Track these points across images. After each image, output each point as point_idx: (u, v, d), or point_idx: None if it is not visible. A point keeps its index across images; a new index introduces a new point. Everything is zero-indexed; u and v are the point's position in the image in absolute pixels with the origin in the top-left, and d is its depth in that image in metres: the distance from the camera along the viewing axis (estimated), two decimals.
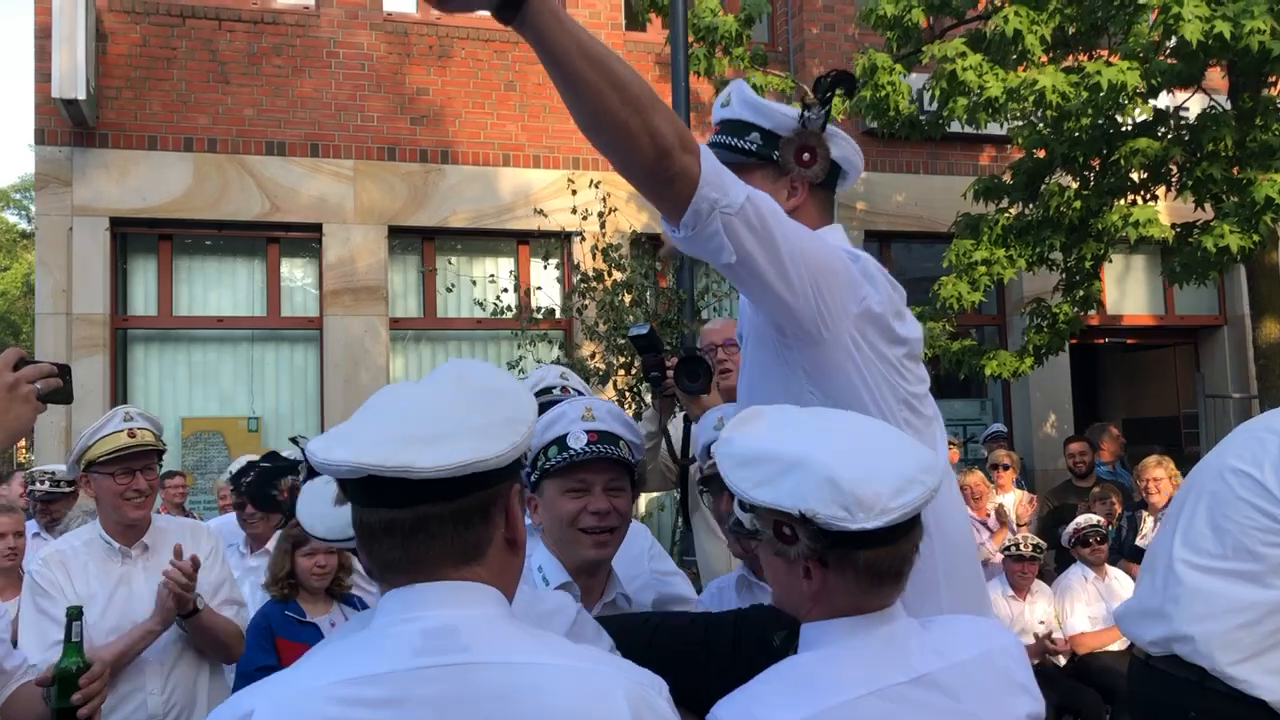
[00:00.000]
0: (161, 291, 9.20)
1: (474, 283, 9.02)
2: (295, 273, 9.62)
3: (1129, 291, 11.23)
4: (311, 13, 9.49)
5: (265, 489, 2.91)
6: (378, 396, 1.41)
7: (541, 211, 8.40)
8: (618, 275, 6.09)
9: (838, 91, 2.09)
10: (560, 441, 2.22)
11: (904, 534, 1.57)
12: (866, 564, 1.55)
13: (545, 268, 7.13)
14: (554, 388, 3.04)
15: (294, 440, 5.79)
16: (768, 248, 1.79)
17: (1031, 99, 5.90)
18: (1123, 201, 6.67)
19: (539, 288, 8.63)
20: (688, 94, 5.58)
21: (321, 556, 4.12)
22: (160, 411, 9.02)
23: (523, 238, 9.96)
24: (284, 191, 9.20)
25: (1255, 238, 5.86)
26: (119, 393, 8.99)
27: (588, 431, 2.21)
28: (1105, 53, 6.86)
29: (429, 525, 1.30)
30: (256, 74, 9.24)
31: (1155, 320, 11.31)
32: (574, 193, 6.94)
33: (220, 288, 9.46)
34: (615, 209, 6.72)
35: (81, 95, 8.14)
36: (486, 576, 1.35)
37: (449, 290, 9.33)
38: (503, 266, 10.07)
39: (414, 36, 9.66)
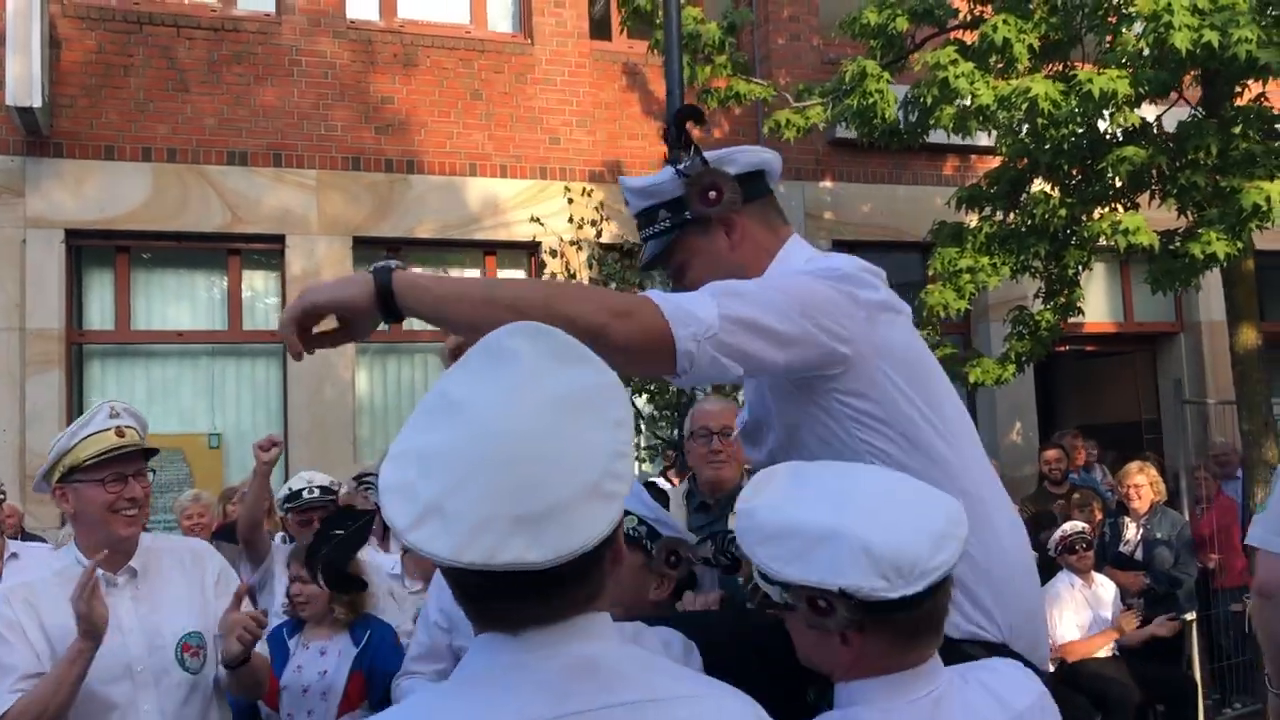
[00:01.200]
0: (119, 305, 8.93)
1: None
2: (257, 285, 9.39)
3: (1089, 299, 11.36)
4: (273, 20, 9.29)
5: (344, 568, 2.43)
6: (451, 428, 1.15)
7: (538, 220, 8.28)
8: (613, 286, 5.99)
9: (690, 124, 2.06)
10: None
11: (940, 589, 1.53)
12: (905, 624, 1.51)
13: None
14: None
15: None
16: (763, 336, 1.71)
17: (1025, 107, 5.93)
18: (1109, 209, 6.74)
19: None
20: (682, 102, 5.50)
21: (299, 585, 3.90)
22: None
23: (490, 248, 9.84)
24: (246, 202, 8.98)
25: (1239, 244, 5.95)
26: (75, 410, 8.68)
27: None
28: (1081, 63, 6.92)
29: (544, 590, 1.15)
30: (217, 82, 9.01)
31: (1115, 327, 11.47)
32: (570, 201, 6.83)
33: (180, 301, 9.20)
34: (608, 217, 6.61)
35: (36, 103, 7.87)
36: (603, 604, 1.23)
37: None
38: (469, 276, 9.92)
39: (378, 44, 9.50)
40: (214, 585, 2.96)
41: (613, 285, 6.15)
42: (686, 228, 2.01)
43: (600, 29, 10.41)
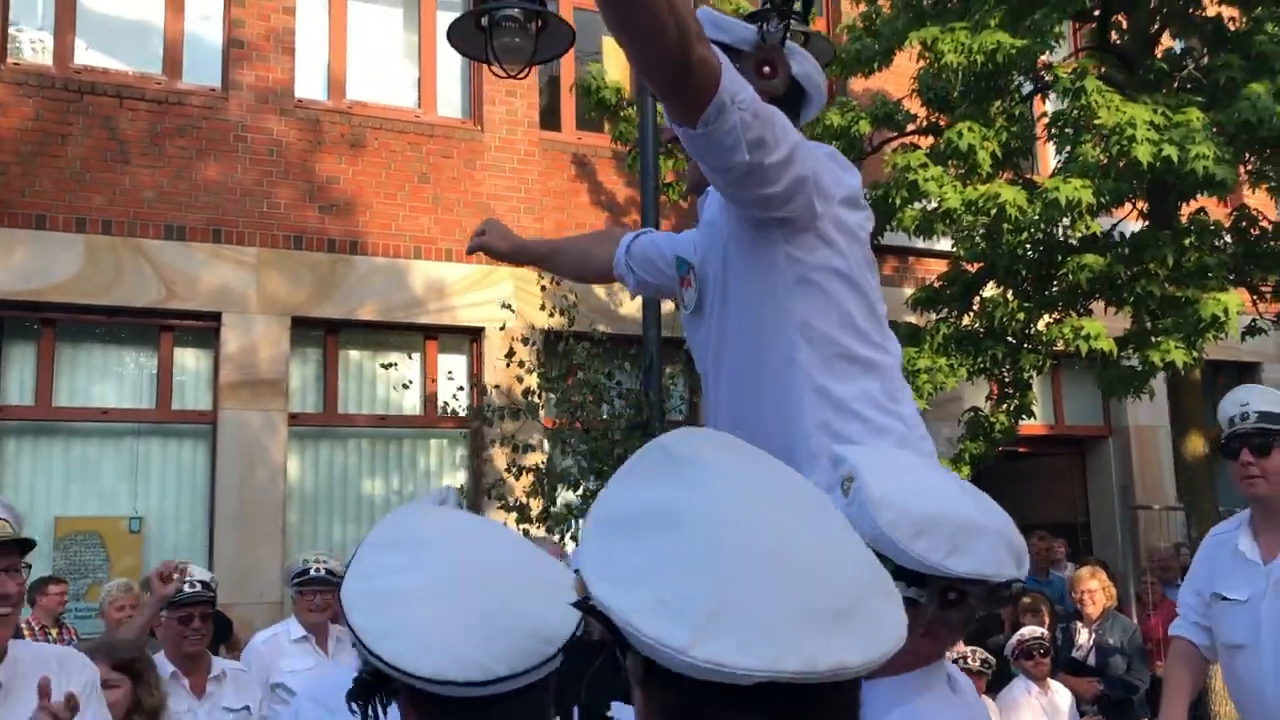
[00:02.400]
0: (41, 380, 8.53)
1: (388, 367, 8.60)
2: (188, 364, 9.06)
3: None
4: (219, 95, 9.12)
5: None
6: (679, 534, 0.96)
7: (509, 306, 8.13)
8: (579, 373, 5.87)
9: (795, 6, 2.15)
10: None
11: None
12: (970, 613, 1.54)
13: (508, 364, 6.81)
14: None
15: (303, 583, 5.23)
16: (772, 140, 1.79)
17: (994, 212, 6.03)
18: (1067, 315, 6.85)
19: (465, 386, 8.34)
20: (657, 192, 5.48)
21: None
22: (32, 510, 8.29)
23: (432, 333, 9.66)
24: (182, 278, 8.70)
25: (1196, 354, 6.07)
26: None
27: None
28: (1029, 172, 7.09)
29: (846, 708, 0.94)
30: (159, 155, 8.79)
31: (1046, 430, 11.64)
32: (542, 288, 6.72)
33: (106, 378, 8.83)
34: (576, 307, 6.51)
35: None
36: None
37: (405, 387, 8.93)
38: (409, 361, 9.71)
39: (326, 124, 9.38)
40: (84, 696, 2.59)
41: (580, 374, 6.04)
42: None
43: (550, 119, 10.43)
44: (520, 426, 7.00)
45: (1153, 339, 6.25)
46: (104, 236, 8.51)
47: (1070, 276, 6.43)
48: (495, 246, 2.81)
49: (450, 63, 10.24)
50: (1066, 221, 6.21)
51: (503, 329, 7.17)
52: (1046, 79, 6.89)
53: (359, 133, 9.48)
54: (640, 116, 5.39)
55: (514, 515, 5.43)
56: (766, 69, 2.05)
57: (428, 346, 9.71)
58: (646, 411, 5.12)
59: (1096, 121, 5.81)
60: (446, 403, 8.27)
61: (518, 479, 5.91)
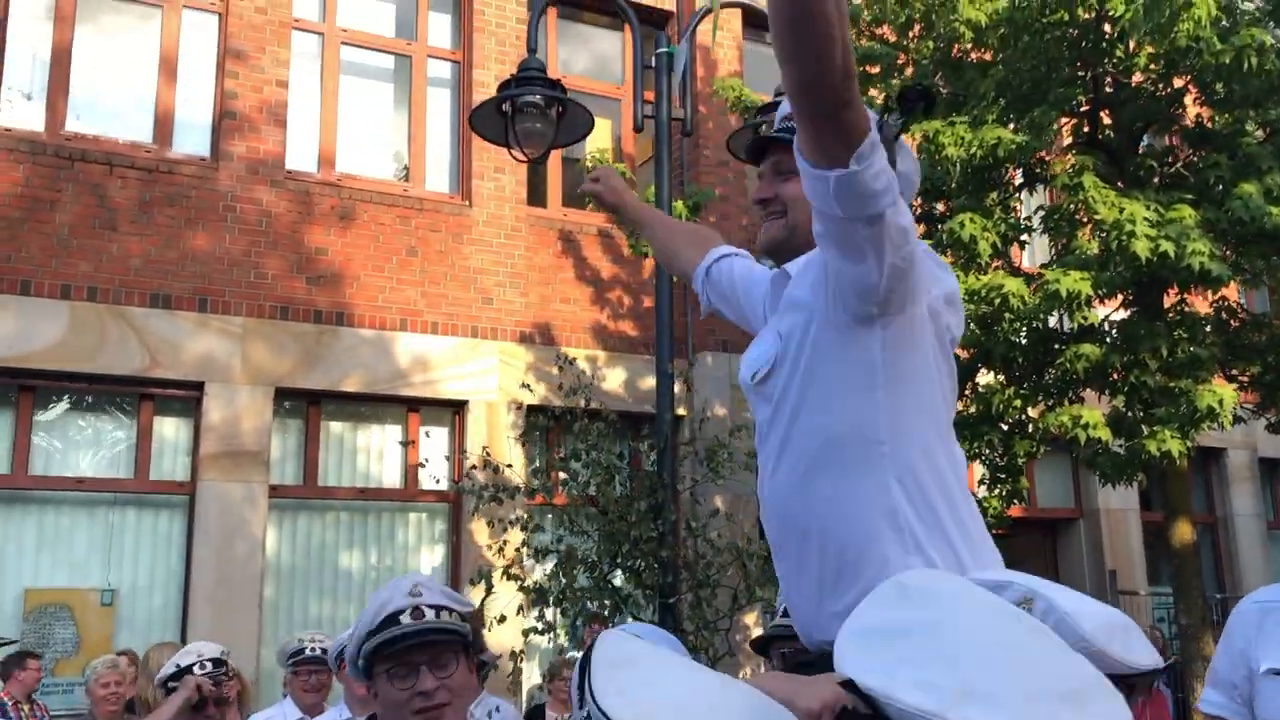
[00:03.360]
0: (17, 448, 8.35)
1: (406, 445, 8.50)
2: (169, 434, 8.92)
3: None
4: (209, 165, 9.11)
5: None
6: (939, 626, 1.19)
7: (528, 386, 8.08)
8: (585, 451, 5.85)
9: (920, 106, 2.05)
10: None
11: None
12: None
13: (512, 440, 6.77)
14: (402, 610, 2.33)
15: (298, 662, 5.11)
16: (896, 204, 1.75)
17: (996, 301, 6.17)
18: (1064, 403, 6.99)
19: (430, 460, 8.28)
20: (671, 288, 5.54)
21: None
22: (2, 582, 8.09)
23: (415, 405, 9.61)
24: (166, 346, 8.61)
25: (1190, 443, 6.21)
26: None
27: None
28: (1020, 262, 7.26)
29: None
30: (147, 223, 8.74)
31: (1021, 511, 11.76)
32: (572, 362, 6.72)
33: (83, 447, 8.66)
34: (591, 382, 6.52)
35: None
36: None
37: (423, 465, 8.82)
38: (390, 434, 9.64)
39: (316, 196, 9.39)
40: None
41: (582, 447, 6.02)
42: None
43: (537, 195, 10.53)
44: (513, 506, 6.97)
45: (1144, 428, 6.38)
46: (89, 304, 8.41)
47: (1068, 365, 6.58)
48: (602, 195, 2.82)
49: (439, 138, 10.34)
50: (1064, 312, 6.35)
51: (520, 408, 7.15)
52: (1039, 173, 7.10)
53: (348, 205, 9.50)
54: (657, 198, 5.47)
55: (530, 596, 5.39)
56: None
57: (410, 419, 9.66)
58: (661, 494, 5.12)
59: (1097, 216, 5.99)
60: (438, 478, 8.20)
61: (534, 559, 5.86)
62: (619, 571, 5.40)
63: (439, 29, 10.50)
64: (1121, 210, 5.87)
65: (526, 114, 5.30)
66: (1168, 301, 7.33)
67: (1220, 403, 6.05)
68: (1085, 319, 6.49)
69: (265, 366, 8.91)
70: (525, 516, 6.06)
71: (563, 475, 6.08)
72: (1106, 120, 7.48)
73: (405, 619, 2.21)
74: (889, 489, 1.84)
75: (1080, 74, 7.10)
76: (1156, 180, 7.25)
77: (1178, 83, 6.83)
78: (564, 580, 5.32)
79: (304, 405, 9.26)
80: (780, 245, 2.09)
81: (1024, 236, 7.01)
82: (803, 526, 1.91)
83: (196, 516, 8.55)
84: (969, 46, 7.52)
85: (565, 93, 5.37)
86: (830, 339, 1.89)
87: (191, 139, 9.28)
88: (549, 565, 5.76)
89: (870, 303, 1.82)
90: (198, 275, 8.82)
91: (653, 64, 5.70)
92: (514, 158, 5.46)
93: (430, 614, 2.21)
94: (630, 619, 5.23)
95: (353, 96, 10.01)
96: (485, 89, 10.05)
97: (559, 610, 5.23)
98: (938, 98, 1.78)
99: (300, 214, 9.31)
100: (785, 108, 2.11)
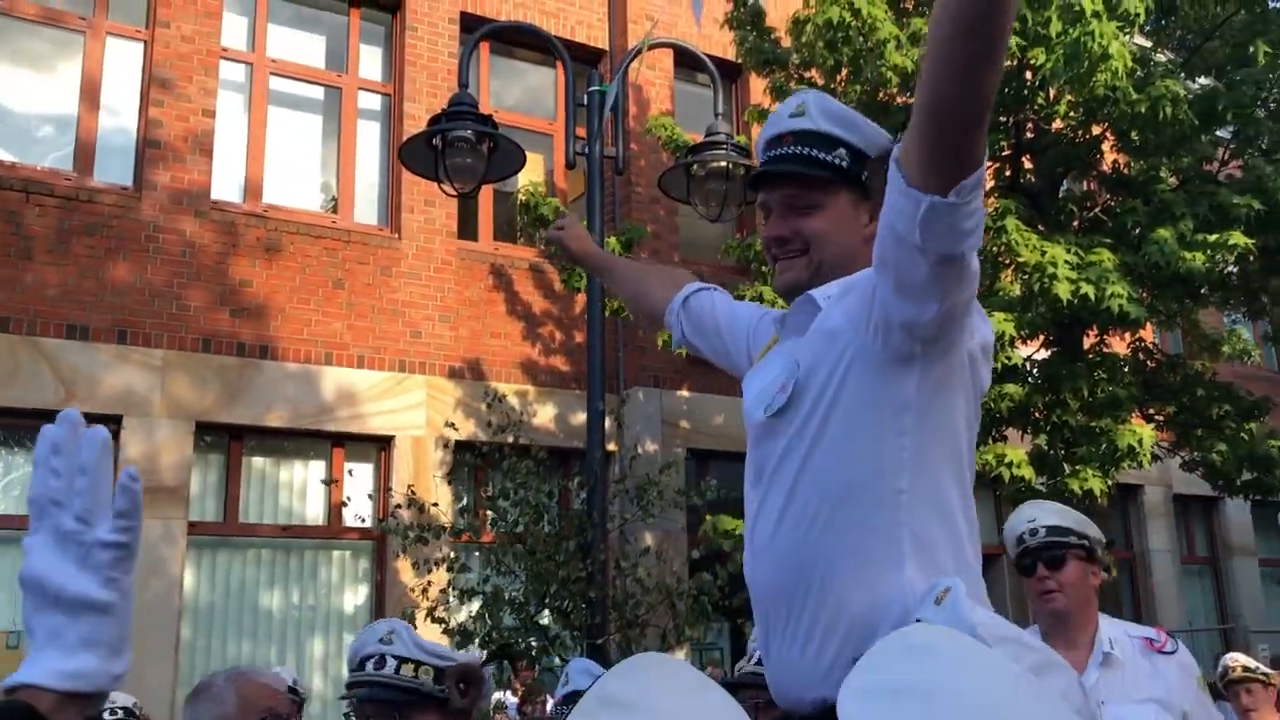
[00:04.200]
0: None
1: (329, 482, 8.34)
2: None
3: None
4: (131, 195, 8.93)
5: None
6: (943, 687, 1.11)
7: (453, 425, 7.92)
8: (515, 489, 5.78)
9: None
10: None
11: None
12: None
13: (439, 478, 6.65)
14: (370, 657, 2.28)
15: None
16: (976, 248, 1.65)
17: None
18: (989, 441, 7.09)
19: (350, 499, 8.15)
20: (603, 315, 5.53)
21: None
22: None
23: (339, 440, 9.46)
24: (82, 379, 8.38)
25: (1111, 481, 6.34)
26: None
27: None
28: None
29: None
30: (65, 253, 8.52)
31: None
32: (501, 399, 6.64)
33: None
34: (521, 419, 6.46)
35: None
36: None
37: (346, 504, 8.54)
38: (314, 470, 9.47)
39: (241, 227, 9.25)
40: None
41: (510, 486, 5.95)
42: (850, 183, 1.92)
43: (468, 229, 10.48)
44: (438, 545, 6.86)
45: (1066, 467, 6.50)
46: (1, 334, 8.16)
47: (991, 405, 6.68)
48: (567, 244, 2.72)
49: (369, 170, 10.27)
50: (1000, 353, 6.46)
51: (448, 444, 7.06)
52: None
53: (274, 236, 9.36)
54: (592, 231, 5.46)
55: (455, 639, 5.30)
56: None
57: (334, 454, 9.50)
58: (590, 532, 5.08)
59: (1020, 259, 6.12)
60: (363, 517, 8.07)
61: (459, 600, 5.76)
62: (546, 612, 5.33)
63: (370, 61, 10.45)
64: (1043, 253, 6.01)
65: (457, 148, 5.27)
66: (1087, 343, 7.51)
67: (1140, 441, 6.20)
68: (1008, 359, 6.61)
69: (186, 400, 8.71)
70: (451, 556, 5.98)
71: (490, 514, 6.00)
72: (1028, 165, 7.66)
73: (370, 667, 2.14)
74: (901, 542, 1.74)
75: (1003, 120, 7.28)
76: (1076, 224, 7.43)
77: (1096, 130, 7.03)
78: (489, 622, 5.24)
79: (225, 440, 9.07)
80: (804, 287, 1.93)
81: None
82: (809, 575, 1.78)
83: None
84: (894, 91, 7.68)
85: (496, 128, 5.35)
86: (864, 374, 1.78)
87: (114, 168, 9.09)
88: (475, 606, 5.67)
89: (916, 339, 1.72)
90: (117, 306, 8.62)
91: (585, 101, 5.71)
92: (444, 192, 5.42)
93: (391, 666, 2.14)
94: (558, 660, 5.18)
95: (281, 127, 9.90)
96: (416, 122, 10.00)
97: (484, 653, 5.15)
98: None
99: (225, 245, 9.15)
100: (776, 126, 1.98)
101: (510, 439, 6.02)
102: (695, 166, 5.47)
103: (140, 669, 8.17)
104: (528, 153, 6.33)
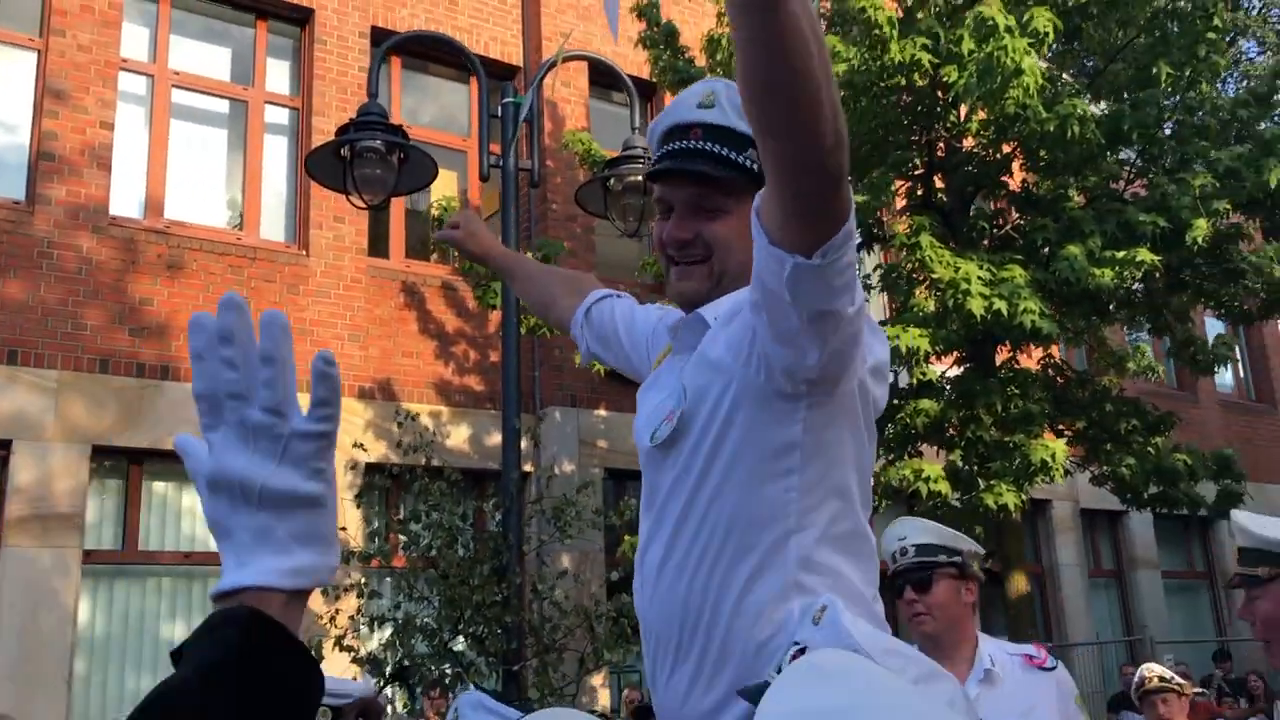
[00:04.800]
0: None
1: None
2: None
3: None
4: (24, 209, 8.56)
5: None
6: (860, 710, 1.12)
7: (361, 446, 7.62)
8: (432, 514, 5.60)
9: None
10: None
11: None
12: None
13: (349, 501, 6.40)
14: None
15: None
16: (854, 301, 1.51)
17: None
18: (905, 457, 7.11)
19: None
20: (518, 332, 5.40)
21: None
22: None
23: None
24: None
25: (1024, 496, 6.39)
26: None
27: None
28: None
29: None
30: None
31: None
32: (413, 419, 6.45)
33: None
34: (434, 439, 6.28)
35: None
36: None
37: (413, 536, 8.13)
38: None
39: (141, 243, 8.92)
40: None
41: (423, 508, 5.78)
42: (760, 187, 1.71)
43: (378, 246, 10.27)
44: (347, 571, 6.64)
45: (981, 482, 6.55)
46: None
47: (908, 420, 6.70)
48: (464, 244, 2.51)
49: (275, 186, 10.01)
50: (907, 368, 6.49)
51: (356, 466, 6.84)
52: (876, 233, 7.28)
53: (177, 254, 9.06)
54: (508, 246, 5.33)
55: (364, 669, 5.11)
56: None
57: None
58: (505, 555, 4.93)
59: (934, 275, 6.16)
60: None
61: (370, 628, 5.57)
62: (461, 638, 5.16)
63: (277, 75, 10.20)
64: (957, 269, 6.05)
65: (366, 159, 5.12)
66: (999, 359, 7.59)
67: (1053, 456, 6.27)
68: (924, 375, 6.64)
69: (81, 423, 8.35)
70: (361, 582, 5.77)
71: (402, 538, 5.81)
72: (939, 184, 7.74)
73: None
74: (790, 577, 1.67)
75: (915, 138, 7.35)
76: (986, 242, 7.52)
77: (1006, 149, 7.12)
78: (401, 650, 5.06)
79: (124, 464, 8.71)
80: (703, 298, 1.81)
81: (865, 294, 7.15)
82: (698, 612, 1.70)
83: (1, 587, 7.90)
84: None
85: (407, 139, 5.21)
86: (749, 411, 1.67)
87: (5, 181, 8.72)
88: (386, 634, 5.47)
89: (799, 381, 1.62)
90: (7, 325, 8.24)
91: (499, 113, 5.60)
92: (352, 204, 5.26)
93: None
94: (472, 687, 5.02)
95: (184, 141, 9.60)
96: (325, 137, 9.76)
97: (396, 682, 4.97)
98: None
99: (124, 262, 8.82)
100: (680, 114, 1.82)
101: (423, 460, 5.85)
102: (612, 181, 5.39)
103: (30, 706, 7.77)
104: (441, 169, 6.21)
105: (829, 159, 1.39)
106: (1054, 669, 2.78)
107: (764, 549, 1.69)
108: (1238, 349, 15.96)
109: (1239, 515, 2.48)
